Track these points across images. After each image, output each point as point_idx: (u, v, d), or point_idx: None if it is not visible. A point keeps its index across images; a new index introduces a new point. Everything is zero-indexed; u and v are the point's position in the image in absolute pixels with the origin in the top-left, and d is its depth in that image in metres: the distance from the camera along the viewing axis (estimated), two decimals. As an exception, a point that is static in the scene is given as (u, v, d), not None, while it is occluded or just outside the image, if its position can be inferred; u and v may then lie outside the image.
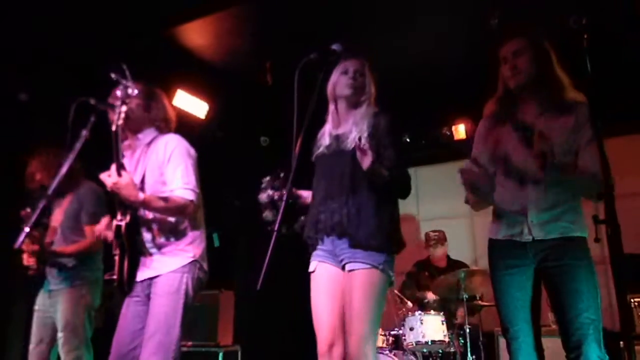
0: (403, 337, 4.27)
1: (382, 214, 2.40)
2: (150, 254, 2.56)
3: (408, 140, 5.73)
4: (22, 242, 2.26)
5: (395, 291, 4.69)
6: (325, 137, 2.60)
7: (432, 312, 4.35)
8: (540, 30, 2.51)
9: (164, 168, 2.58)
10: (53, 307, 3.48)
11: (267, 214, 2.45)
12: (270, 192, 2.46)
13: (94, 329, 3.54)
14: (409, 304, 4.68)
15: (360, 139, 2.30)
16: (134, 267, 2.51)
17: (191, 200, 2.53)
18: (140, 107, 2.66)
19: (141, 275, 2.55)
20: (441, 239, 5.29)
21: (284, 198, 1.94)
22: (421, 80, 5.05)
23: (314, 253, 2.52)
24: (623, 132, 5.27)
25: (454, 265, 5.18)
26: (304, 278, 2.58)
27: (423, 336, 4.17)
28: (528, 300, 2.36)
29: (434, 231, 5.34)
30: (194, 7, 4.40)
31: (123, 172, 2.36)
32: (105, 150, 2.37)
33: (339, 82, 2.57)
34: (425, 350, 4.31)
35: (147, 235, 2.57)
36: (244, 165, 5.93)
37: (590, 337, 2.18)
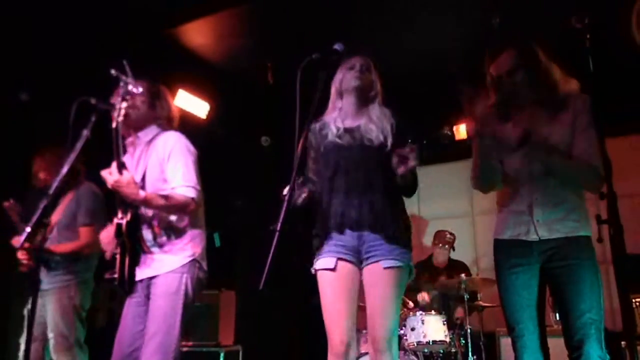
0: (404, 337, 4.27)
1: (403, 211, 2.48)
2: (151, 252, 2.55)
3: (409, 140, 5.71)
4: (25, 241, 2.26)
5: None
6: (331, 127, 2.54)
7: (433, 312, 4.35)
8: (525, 33, 2.50)
9: (164, 166, 2.58)
10: (44, 306, 3.49)
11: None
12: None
13: (97, 329, 3.55)
14: (410, 304, 4.68)
15: (402, 145, 2.27)
16: (134, 266, 2.51)
17: (192, 198, 2.54)
18: (144, 105, 2.66)
19: (141, 274, 2.55)
20: (451, 243, 5.29)
21: (287, 198, 1.92)
22: (423, 80, 5.05)
23: (327, 248, 2.42)
24: (626, 132, 5.27)
25: (454, 265, 5.19)
26: (305, 278, 2.57)
27: (424, 336, 4.18)
28: (533, 299, 2.36)
29: (450, 233, 5.32)
30: (195, 7, 4.40)
31: (124, 171, 2.36)
32: (106, 150, 2.37)
33: (345, 77, 2.56)
34: (426, 350, 4.32)
35: (147, 234, 2.57)
36: (245, 165, 5.94)
37: (592, 337, 2.19)
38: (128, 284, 2.50)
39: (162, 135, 2.67)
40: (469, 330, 4.35)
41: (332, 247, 2.41)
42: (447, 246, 5.25)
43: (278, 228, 1.84)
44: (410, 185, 2.45)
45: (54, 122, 2.93)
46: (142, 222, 2.55)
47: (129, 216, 2.46)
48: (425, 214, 6.61)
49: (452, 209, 6.27)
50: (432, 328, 4.21)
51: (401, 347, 4.30)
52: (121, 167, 2.37)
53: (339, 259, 2.39)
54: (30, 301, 3.53)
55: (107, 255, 2.57)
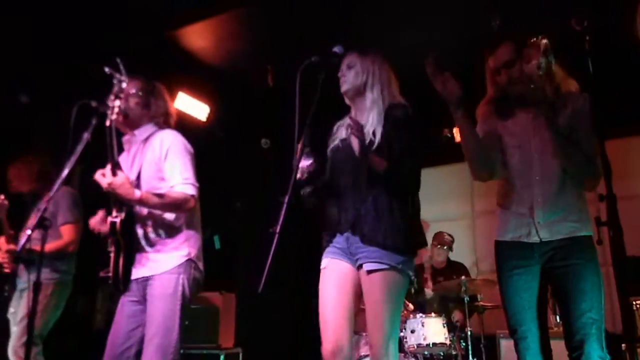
0: (404, 340, 4.26)
1: (396, 211, 2.34)
2: (145, 251, 2.55)
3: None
4: (24, 245, 2.26)
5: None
6: (342, 130, 2.55)
7: (433, 314, 4.35)
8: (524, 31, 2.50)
9: (161, 164, 2.58)
10: (19, 304, 3.50)
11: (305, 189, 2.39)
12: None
13: (96, 331, 3.54)
14: (410, 306, 4.67)
15: (353, 121, 2.23)
16: (129, 265, 2.50)
17: (192, 195, 2.54)
18: (139, 104, 2.66)
19: (136, 273, 2.54)
20: (450, 244, 5.29)
21: (286, 201, 1.92)
22: (422, 82, 5.04)
23: (327, 250, 2.45)
24: (626, 134, 5.26)
25: (452, 266, 5.18)
26: (306, 280, 2.57)
27: (424, 339, 4.17)
28: (535, 301, 2.36)
29: (448, 234, 5.32)
30: (196, 10, 4.40)
31: (118, 171, 2.36)
32: (103, 152, 2.36)
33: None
34: (426, 352, 4.30)
35: (141, 232, 2.57)
36: (244, 167, 5.94)
37: (592, 337, 2.19)
38: (123, 283, 2.49)
39: (158, 133, 2.66)
40: (469, 333, 4.34)
41: (330, 248, 2.44)
42: (445, 247, 5.26)
43: (277, 230, 1.84)
44: (402, 181, 2.37)
45: (53, 125, 2.94)
46: (137, 220, 2.55)
47: (123, 215, 2.44)
48: (425, 216, 6.55)
49: (452, 211, 6.27)
50: (432, 330, 4.20)
51: (401, 349, 4.30)
52: (115, 167, 2.36)
53: (332, 258, 2.42)
54: (11, 304, 3.57)
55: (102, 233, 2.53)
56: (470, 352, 4.30)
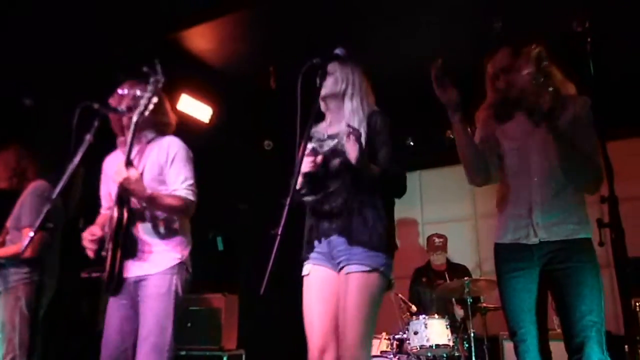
0: (407, 341, 4.27)
1: (380, 214, 2.33)
2: (142, 252, 2.57)
3: (412, 143, 5.72)
4: (26, 248, 2.27)
5: (400, 295, 4.69)
6: (319, 134, 2.52)
7: (436, 316, 4.34)
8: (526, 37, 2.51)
9: (165, 169, 2.64)
10: None
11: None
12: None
13: (99, 332, 3.52)
14: (413, 307, 4.67)
15: (352, 128, 2.20)
16: (124, 265, 2.52)
17: (192, 201, 2.61)
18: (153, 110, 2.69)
19: (130, 273, 2.56)
20: (444, 245, 5.29)
21: (288, 202, 1.92)
22: (425, 83, 5.04)
23: (309, 255, 2.43)
24: (628, 136, 5.26)
25: (454, 268, 5.18)
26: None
27: (427, 340, 4.16)
28: (534, 303, 2.36)
29: (439, 236, 5.32)
30: (199, 12, 4.41)
31: (131, 168, 2.41)
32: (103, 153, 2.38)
33: None
34: (429, 354, 4.30)
35: (139, 233, 2.59)
36: (247, 169, 5.94)
37: (592, 339, 2.18)
38: (117, 281, 2.49)
39: (161, 139, 2.72)
40: (472, 334, 4.34)
41: (312, 254, 2.43)
42: (439, 251, 5.26)
43: (279, 232, 1.85)
44: (393, 185, 2.37)
45: (56, 126, 2.95)
46: (137, 220, 2.58)
47: (124, 214, 2.47)
48: (427, 218, 6.60)
49: (454, 213, 6.26)
50: (435, 332, 4.20)
51: (404, 351, 4.30)
52: (129, 164, 2.42)
53: (314, 264, 2.41)
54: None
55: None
56: (473, 353, 4.30)
